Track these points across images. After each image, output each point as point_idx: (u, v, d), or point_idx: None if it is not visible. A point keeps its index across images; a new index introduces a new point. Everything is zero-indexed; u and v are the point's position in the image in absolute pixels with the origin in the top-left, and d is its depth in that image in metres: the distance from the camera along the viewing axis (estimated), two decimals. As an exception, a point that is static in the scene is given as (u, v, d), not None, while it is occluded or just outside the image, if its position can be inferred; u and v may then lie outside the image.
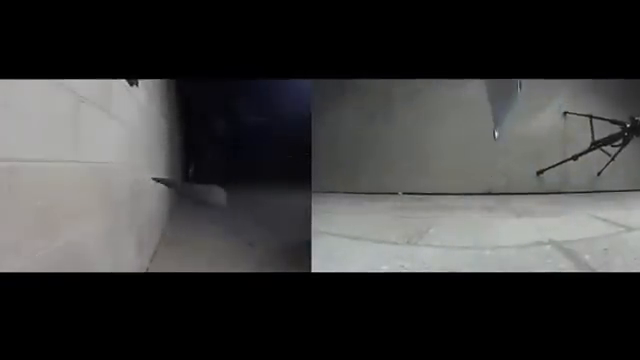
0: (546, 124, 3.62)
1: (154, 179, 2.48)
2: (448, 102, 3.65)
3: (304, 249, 1.68)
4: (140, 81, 1.96)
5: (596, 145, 3.29)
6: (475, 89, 3.58)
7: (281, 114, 6.88)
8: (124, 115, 1.67)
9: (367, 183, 3.75)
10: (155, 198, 2.71)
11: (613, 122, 3.19)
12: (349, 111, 3.86)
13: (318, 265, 1.44)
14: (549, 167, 3.50)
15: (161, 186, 2.79)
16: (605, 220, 2.21)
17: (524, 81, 3.46)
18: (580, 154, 3.36)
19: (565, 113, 3.61)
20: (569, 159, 3.43)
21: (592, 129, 3.32)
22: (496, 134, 2.81)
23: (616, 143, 3.20)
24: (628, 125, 3.09)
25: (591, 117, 3.35)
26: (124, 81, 1.65)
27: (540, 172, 3.56)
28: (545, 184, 3.58)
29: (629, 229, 1.92)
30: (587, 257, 1.44)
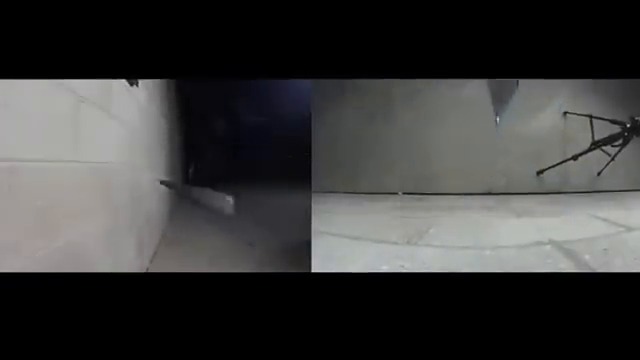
0: (546, 124, 3.62)
1: (159, 181, 2.48)
2: (448, 102, 3.65)
3: (304, 249, 1.68)
4: (140, 81, 1.96)
5: (596, 145, 3.29)
6: (475, 89, 3.59)
7: (281, 114, 6.88)
8: (124, 115, 1.67)
9: (367, 183, 3.75)
10: (155, 198, 2.71)
11: (613, 122, 3.19)
12: (349, 111, 3.86)
13: (318, 265, 1.44)
14: (549, 167, 3.50)
15: (161, 186, 2.79)
16: (605, 220, 2.21)
17: (524, 81, 3.48)
18: (580, 154, 3.36)
19: (565, 113, 3.61)
20: (569, 159, 3.43)
21: (592, 129, 3.32)
22: (497, 119, 2.86)
23: (616, 143, 3.20)
24: (628, 125, 3.09)
25: (591, 117, 3.35)
26: (124, 81, 1.65)
27: (540, 172, 3.56)
28: (545, 184, 3.58)
29: (629, 229, 1.92)
30: (587, 257, 1.44)
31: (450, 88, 3.62)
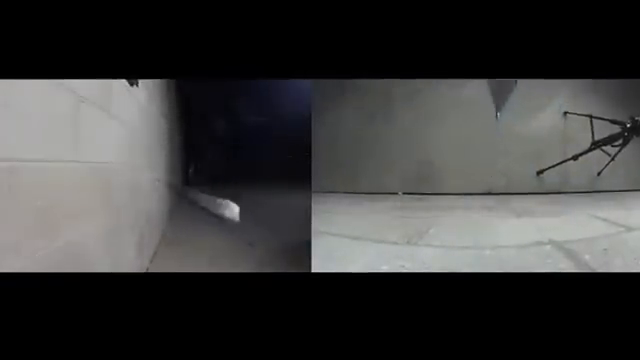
0: (546, 124, 3.62)
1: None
2: (448, 102, 3.65)
3: (304, 249, 1.68)
4: (140, 81, 1.96)
5: (596, 145, 3.29)
6: (475, 89, 3.59)
7: (281, 114, 6.88)
8: (124, 115, 1.67)
9: (367, 183, 3.75)
10: (155, 198, 2.71)
11: (613, 122, 3.19)
12: (349, 111, 3.86)
13: (318, 265, 1.44)
14: (549, 167, 3.50)
15: (161, 186, 2.79)
16: (605, 220, 2.21)
17: (524, 81, 3.48)
18: (580, 154, 3.36)
19: (565, 113, 3.61)
20: (569, 159, 3.43)
21: (592, 129, 3.32)
22: (498, 114, 2.90)
23: (616, 143, 3.20)
24: (628, 125, 3.09)
25: (591, 117, 3.36)
26: (124, 81, 1.65)
27: (540, 172, 3.56)
28: (545, 184, 3.58)
29: (629, 229, 1.92)
30: (587, 257, 1.44)
31: (450, 88, 3.62)
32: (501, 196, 3.41)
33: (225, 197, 3.54)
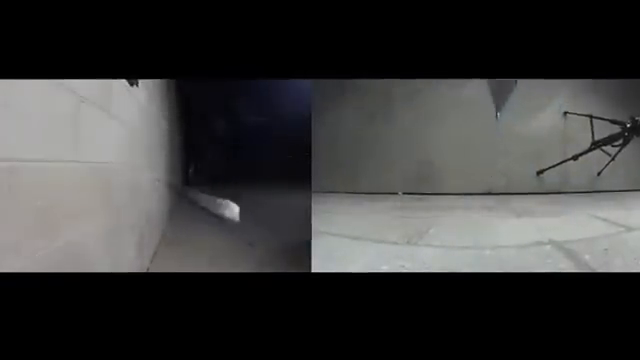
0: (546, 124, 3.62)
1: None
2: (448, 102, 3.65)
3: (304, 249, 1.68)
4: (140, 81, 1.96)
5: (596, 145, 3.29)
6: (475, 89, 3.59)
7: (281, 114, 6.88)
8: (124, 115, 1.67)
9: (367, 183, 3.75)
10: (155, 198, 2.71)
11: (613, 122, 3.19)
12: (349, 111, 3.86)
13: (318, 265, 1.44)
14: (549, 167, 3.50)
15: (161, 186, 2.79)
16: (605, 220, 2.21)
17: (524, 81, 3.49)
18: (580, 154, 3.36)
19: (565, 113, 3.61)
20: (569, 159, 3.43)
21: (592, 129, 3.32)
22: (498, 114, 2.93)
23: (616, 143, 3.20)
24: (628, 125, 3.09)
25: (591, 117, 3.36)
26: (124, 81, 1.65)
27: (540, 172, 3.56)
28: (545, 184, 3.58)
29: (629, 229, 1.92)
30: (587, 257, 1.44)
31: (450, 88, 3.62)
32: (501, 196, 3.41)
33: (225, 197, 3.54)
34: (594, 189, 3.57)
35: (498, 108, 3.53)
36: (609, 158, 3.31)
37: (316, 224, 2.06)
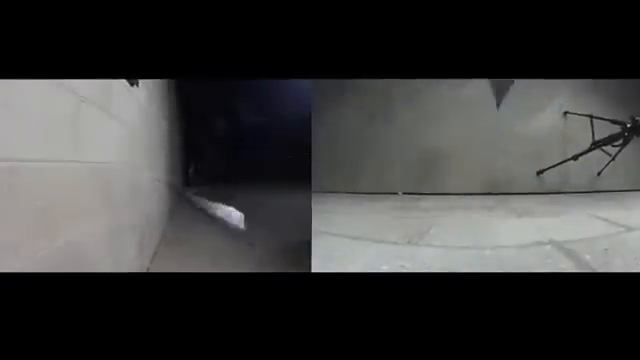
0: (546, 124, 3.62)
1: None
2: (448, 102, 3.65)
3: (304, 249, 1.68)
4: (140, 81, 1.96)
5: (596, 145, 3.29)
6: (475, 89, 3.59)
7: (281, 114, 6.87)
8: (124, 115, 1.67)
9: (367, 183, 3.75)
10: (155, 198, 2.71)
11: (613, 122, 3.19)
12: (349, 111, 3.86)
13: (318, 265, 1.44)
14: (549, 167, 3.50)
15: (161, 186, 2.79)
16: (605, 220, 2.21)
17: (524, 81, 3.49)
18: (580, 154, 3.36)
19: (565, 113, 3.61)
20: (569, 159, 3.43)
21: (592, 129, 3.32)
22: (498, 114, 3.01)
23: (616, 143, 3.20)
24: (628, 125, 3.09)
25: (591, 117, 3.35)
26: (124, 81, 1.65)
27: (540, 172, 3.56)
28: (545, 184, 3.57)
29: (629, 229, 1.92)
30: (587, 257, 1.44)
31: (450, 88, 3.62)
32: (501, 196, 3.41)
33: (225, 197, 3.54)
34: (594, 189, 3.57)
35: (498, 108, 3.54)
36: (609, 158, 3.31)
37: (316, 224, 2.06)
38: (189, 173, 5.65)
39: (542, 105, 3.62)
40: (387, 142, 3.76)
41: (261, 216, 3.39)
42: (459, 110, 3.63)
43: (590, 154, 3.34)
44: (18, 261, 0.78)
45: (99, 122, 1.31)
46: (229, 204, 3.46)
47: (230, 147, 7.01)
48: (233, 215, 3.29)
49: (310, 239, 1.77)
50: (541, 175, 3.57)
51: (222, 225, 3.22)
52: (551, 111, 3.63)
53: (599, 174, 3.52)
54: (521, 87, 3.55)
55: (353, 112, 3.85)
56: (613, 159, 3.30)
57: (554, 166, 3.48)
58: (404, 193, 3.63)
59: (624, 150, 3.21)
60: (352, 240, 1.80)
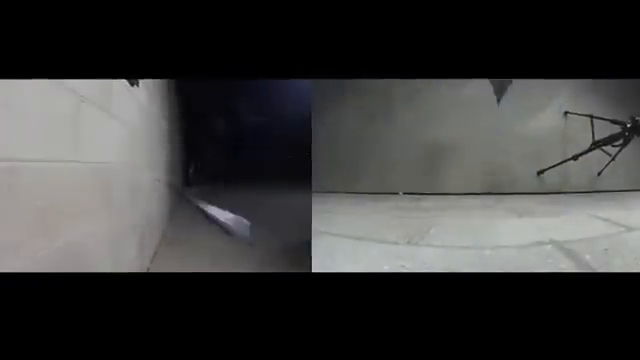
0: (546, 124, 3.62)
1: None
2: (448, 102, 3.65)
3: (304, 249, 1.68)
4: (140, 81, 1.96)
5: (596, 145, 3.29)
6: (475, 89, 3.59)
7: (281, 114, 6.88)
8: (124, 115, 1.67)
9: (367, 183, 3.75)
10: (155, 198, 2.71)
11: (614, 122, 3.19)
12: (349, 111, 3.86)
13: (318, 265, 1.44)
14: (549, 167, 3.50)
15: (162, 186, 2.79)
16: (605, 220, 2.20)
17: (524, 81, 3.49)
18: (580, 154, 3.36)
19: (566, 113, 3.61)
20: (569, 159, 3.43)
21: (592, 129, 3.32)
22: (498, 114, 3.03)
23: (616, 143, 3.20)
24: (629, 125, 3.10)
25: (592, 117, 3.36)
26: (124, 81, 1.65)
27: (540, 172, 3.56)
28: (545, 184, 3.58)
29: (629, 229, 1.92)
30: (588, 257, 1.44)
31: (450, 88, 3.62)
32: (501, 196, 3.41)
33: (225, 197, 3.54)
34: (594, 189, 3.57)
35: (498, 108, 3.54)
36: (609, 158, 3.31)
37: (316, 224, 2.06)
38: (189, 173, 5.65)
39: (542, 105, 3.62)
40: (387, 142, 3.76)
41: (261, 216, 3.39)
42: (459, 110, 3.63)
43: (590, 154, 3.35)
44: (18, 261, 0.78)
45: (99, 122, 1.31)
46: (229, 204, 3.45)
47: (230, 147, 7.02)
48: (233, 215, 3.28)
49: (310, 239, 1.77)
50: (541, 175, 3.57)
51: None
52: (551, 111, 3.63)
53: (599, 174, 3.52)
54: (521, 87, 3.55)
55: (353, 112, 3.85)
56: (613, 159, 3.30)
57: (554, 166, 3.48)
58: (404, 193, 3.63)
59: (624, 150, 3.22)
60: (353, 240, 1.80)
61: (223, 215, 3.17)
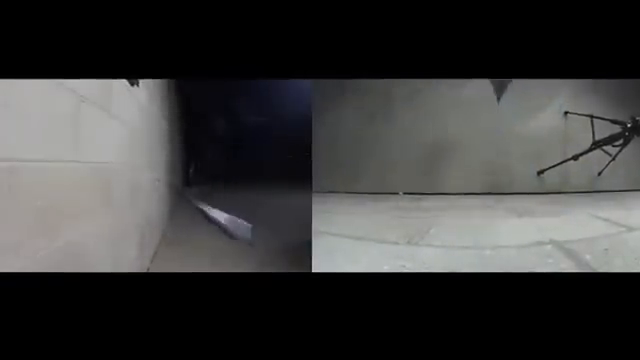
0: (547, 124, 3.62)
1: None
2: (448, 102, 3.65)
3: (304, 249, 1.68)
4: (140, 81, 1.96)
5: (597, 145, 3.29)
6: (475, 89, 3.59)
7: (281, 114, 6.88)
8: (124, 115, 1.67)
9: (367, 183, 3.75)
10: (155, 198, 2.71)
11: (614, 122, 3.19)
12: (349, 111, 3.86)
13: (318, 265, 1.44)
14: (550, 167, 3.50)
15: (162, 186, 2.79)
16: (606, 220, 2.20)
17: (523, 81, 3.49)
18: (581, 154, 3.36)
19: (566, 113, 3.61)
20: (570, 159, 3.43)
21: (593, 129, 3.32)
22: (498, 114, 3.05)
23: (617, 143, 3.20)
24: (629, 125, 3.09)
25: (592, 117, 3.35)
26: (124, 81, 1.65)
27: (541, 172, 3.56)
28: (546, 184, 3.57)
29: (630, 229, 1.92)
30: (588, 257, 1.44)
31: (450, 88, 3.62)
32: (501, 196, 3.41)
33: (225, 197, 3.54)
34: (594, 189, 3.57)
35: (499, 108, 3.55)
36: (609, 158, 3.31)
37: (316, 224, 2.06)
38: (189, 173, 5.65)
39: (542, 105, 3.62)
40: (387, 142, 3.76)
41: (261, 216, 3.39)
42: (459, 110, 3.63)
43: (590, 154, 3.34)
44: (18, 261, 0.78)
45: (99, 122, 1.31)
46: (229, 204, 3.46)
47: (230, 147, 7.02)
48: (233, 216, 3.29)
49: (310, 239, 1.77)
50: (541, 175, 3.57)
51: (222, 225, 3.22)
52: (551, 111, 3.63)
53: (599, 174, 3.52)
54: (521, 87, 3.55)
55: (353, 112, 3.85)
56: (613, 159, 3.30)
57: (554, 166, 3.48)
58: (404, 193, 3.63)
59: (624, 150, 3.21)
60: (353, 240, 1.80)
61: (223, 216, 3.17)
